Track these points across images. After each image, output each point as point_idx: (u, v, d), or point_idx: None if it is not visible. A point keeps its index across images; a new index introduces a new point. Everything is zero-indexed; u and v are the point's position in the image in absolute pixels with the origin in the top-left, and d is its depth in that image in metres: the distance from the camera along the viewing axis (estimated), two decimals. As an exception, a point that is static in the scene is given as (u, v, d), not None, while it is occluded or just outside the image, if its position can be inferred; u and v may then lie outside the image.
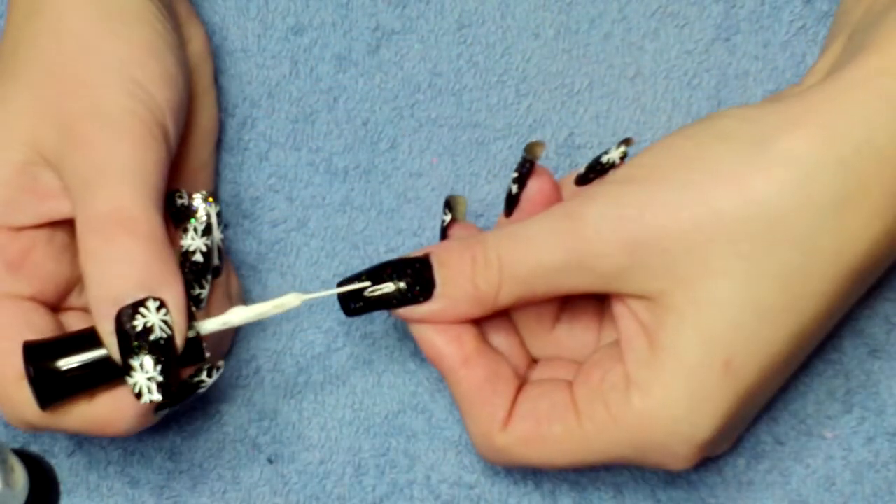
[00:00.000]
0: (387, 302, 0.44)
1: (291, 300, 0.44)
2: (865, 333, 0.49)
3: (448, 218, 0.47)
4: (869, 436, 0.48)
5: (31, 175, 0.44)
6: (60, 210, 0.44)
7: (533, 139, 0.51)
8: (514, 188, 0.45)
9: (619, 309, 0.43)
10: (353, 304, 0.44)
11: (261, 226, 0.51)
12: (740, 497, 0.49)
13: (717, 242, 0.40)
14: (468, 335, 0.44)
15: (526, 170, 0.45)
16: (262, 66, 0.52)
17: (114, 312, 0.41)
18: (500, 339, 0.46)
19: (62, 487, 0.51)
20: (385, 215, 0.51)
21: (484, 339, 0.45)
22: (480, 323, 0.45)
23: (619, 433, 0.42)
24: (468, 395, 0.44)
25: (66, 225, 0.45)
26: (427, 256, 0.44)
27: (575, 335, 0.46)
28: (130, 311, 0.41)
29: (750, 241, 0.40)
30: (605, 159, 0.44)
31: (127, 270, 0.42)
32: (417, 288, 0.44)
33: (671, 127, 0.51)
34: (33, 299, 0.44)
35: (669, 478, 0.49)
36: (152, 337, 0.42)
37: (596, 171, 0.44)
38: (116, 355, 0.42)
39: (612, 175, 0.44)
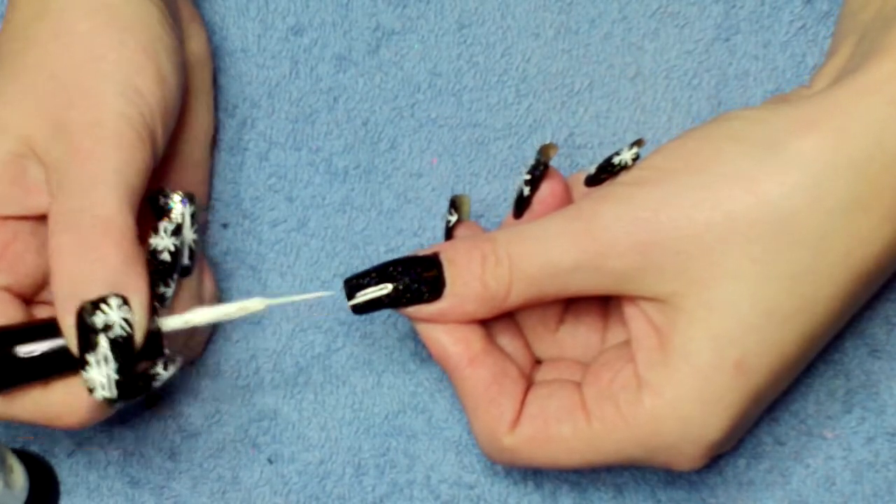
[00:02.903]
0: (395, 300, 0.44)
1: (256, 304, 0.44)
2: (865, 333, 0.49)
3: (454, 218, 0.47)
4: (869, 436, 0.48)
5: (21, 167, 0.44)
6: (45, 205, 0.44)
7: (533, 139, 0.51)
8: (526, 190, 0.45)
9: (629, 310, 0.43)
10: (361, 305, 0.44)
11: (261, 226, 0.51)
12: (740, 497, 0.49)
13: (729, 244, 0.40)
14: (475, 335, 0.44)
15: (539, 172, 0.45)
16: (262, 66, 0.52)
17: (76, 307, 0.41)
18: (505, 340, 0.46)
19: (62, 487, 0.51)
20: (385, 215, 0.51)
21: (491, 339, 0.45)
22: (485, 324, 0.45)
23: (630, 433, 0.42)
24: (475, 395, 0.44)
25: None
26: (436, 255, 0.44)
27: (579, 336, 0.46)
28: (91, 307, 0.41)
29: (762, 243, 0.40)
30: (616, 160, 0.44)
31: (94, 268, 0.41)
32: (426, 286, 0.44)
33: (671, 127, 0.51)
34: (8, 290, 0.44)
35: (670, 478, 0.49)
36: (111, 334, 0.41)
37: (607, 172, 0.44)
38: (75, 349, 0.42)
39: (623, 176, 0.44)
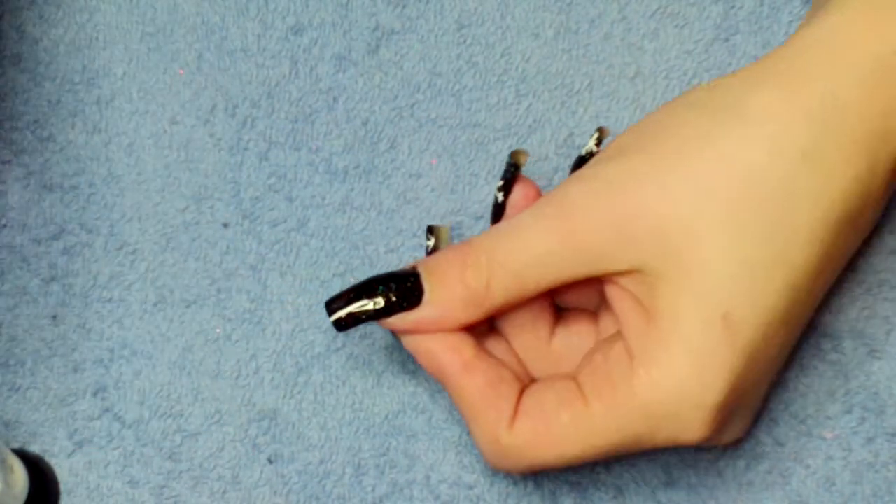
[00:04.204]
0: (376, 312, 0.44)
1: None
2: (865, 333, 0.49)
3: (431, 243, 0.47)
4: (869, 436, 0.48)
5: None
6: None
7: (533, 139, 0.51)
8: (500, 196, 0.46)
9: (612, 292, 0.43)
10: (342, 321, 0.45)
11: (261, 226, 0.51)
12: (740, 498, 0.49)
13: (698, 204, 0.41)
14: (465, 343, 0.45)
15: (510, 175, 0.46)
16: (262, 66, 0.52)
17: None
18: (499, 353, 0.46)
19: (62, 487, 0.51)
20: (385, 216, 0.51)
21: (482, 347, 0.45)
22: (478, 341, 0.46)
23: (629, 408, 0.42)
24: (471, 401, 0.44)
25: None
26: (414, 268, 0.44)
27: (573, 345, 0.46)
28: None
29: (729, 199, 0.41)
30: (584, 152, 0.46)
31: None
32: (405, 296, 0.44)
33: (671, 127, 0.51)
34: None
35: (670, 479, 0.49)
36: None
37: (580, 166, 0.45)
38: None
39: (592, 160, 0.45)
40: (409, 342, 0.45)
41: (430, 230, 0.47)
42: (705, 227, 0.41)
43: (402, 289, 0.44)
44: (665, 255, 0.41)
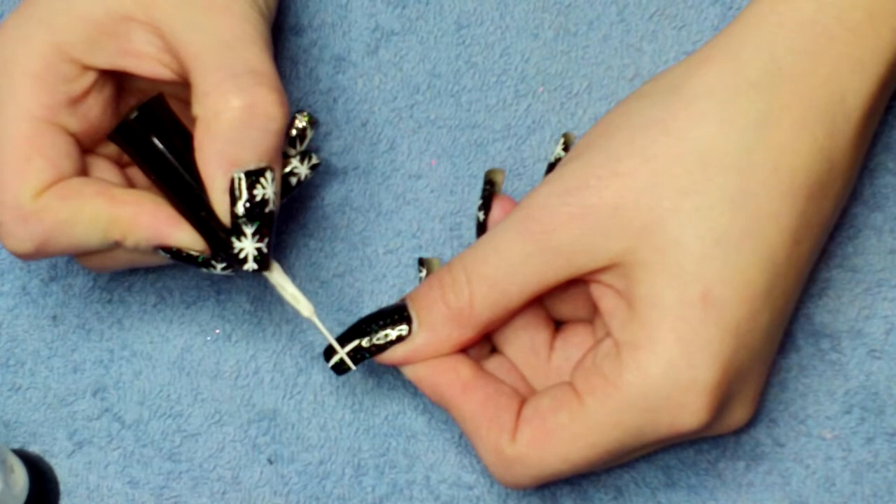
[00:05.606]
0: (374, 349, 0.45)
1: (304, 308, 0.45)
2: (865, 333, 0.49)
3: (423, 275, 0.48)
4: (868, 436, 0.48)
5: (124, 26, 0.44)
6: (130, 65, 0.45)
7: (532, 140, 0.51)
8: (480, 215, 0.47)
9: (596, 291, 0.43)
10: (340, 364, 0.46)
11: (260, 226, 0.52)
12: (741, 499, 0.49)
13: (659, 185, 0.41)
14: (462, 364, 0.45)
15: (488, 194, 0.47)
16: (262, 66, 0.52)
17: (231, 172, 0.43)
18: (502, 375, 0.46)
19: (62, 487, 0.51)
20: (384, 216, 0.51)
21: (481, 367, 0.46)
22: (479, 363, 0.46)
23: (622, 397, 0.41)
24: (472, 417, 0.44)
25: (115, 80, 0.46)
26: (402, 301, 0.45)
27: (573, 357, 0.46)
28: (252, 179, 0.43)
29: (688, 175, 0.41)
30: (552, 158, 0.47)
31: (259, 138, 0.43)
32: (394, 328, 0.45)
33: (670, 128, 0.51)
34: (74, 136, 0.45)
35: (670, 480, 0.49)
36: (267, 209, 0.43)
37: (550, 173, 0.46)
38: (226, 216, 0.43)
39: (558, 165, 0.45)
40: (408, 372, 0.46)
41: (422, 262, 0.49)
42: (668, 206, 0.41)
43: (392, 322, 0.45)
44: (636, 241, 0.41)
